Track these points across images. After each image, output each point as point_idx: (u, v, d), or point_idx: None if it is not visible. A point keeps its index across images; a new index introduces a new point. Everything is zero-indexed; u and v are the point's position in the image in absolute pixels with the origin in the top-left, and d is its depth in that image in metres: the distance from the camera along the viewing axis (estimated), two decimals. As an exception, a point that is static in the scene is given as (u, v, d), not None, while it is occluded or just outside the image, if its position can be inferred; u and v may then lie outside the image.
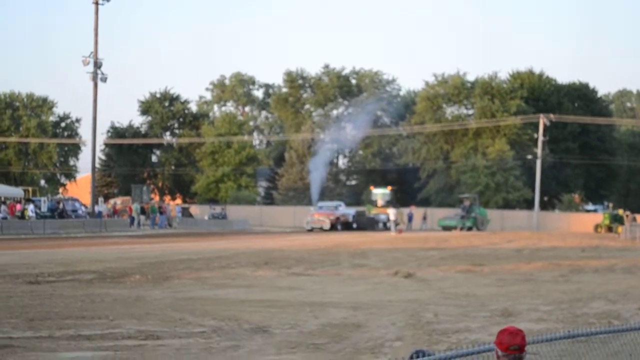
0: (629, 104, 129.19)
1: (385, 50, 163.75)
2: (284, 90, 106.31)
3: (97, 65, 63.83)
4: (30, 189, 72.68)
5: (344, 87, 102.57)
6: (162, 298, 19.66)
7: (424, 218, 78.16)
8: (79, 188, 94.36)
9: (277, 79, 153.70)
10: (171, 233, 60.94)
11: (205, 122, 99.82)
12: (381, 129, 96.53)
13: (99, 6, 63.78)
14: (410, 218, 74.49)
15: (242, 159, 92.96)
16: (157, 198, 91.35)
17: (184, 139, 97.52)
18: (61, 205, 64.70)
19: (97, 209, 67.46)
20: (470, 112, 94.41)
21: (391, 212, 66.73)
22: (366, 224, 71.42)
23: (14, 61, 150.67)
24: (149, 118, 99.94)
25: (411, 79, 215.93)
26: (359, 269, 29.27)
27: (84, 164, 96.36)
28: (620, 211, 73.44)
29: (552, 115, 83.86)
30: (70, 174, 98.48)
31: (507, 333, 5.82)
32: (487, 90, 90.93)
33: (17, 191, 67.75)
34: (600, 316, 17.60)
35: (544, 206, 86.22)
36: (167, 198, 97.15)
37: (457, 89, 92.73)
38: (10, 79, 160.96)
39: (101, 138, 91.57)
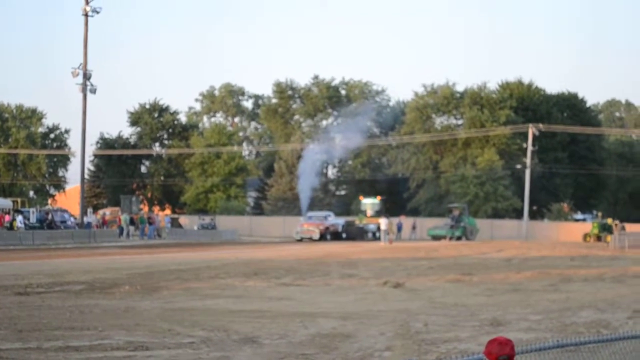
0: (617, 114, 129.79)
1: (375, 61, 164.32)
2: (274, 101, 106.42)
3: (87, 76, 63.82)
4: (19, 200, 72.53)
5: (334, 98, 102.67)
6: (152, 309, 19.60)
7: (414, 228, 78.24)
8: (68, 199, 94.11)
9: (266, 89, 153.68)
10: (160, 243, 60.78)
11: (194, 133, 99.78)
12: (371, 139, 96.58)
13: (89, 18, 63.84)
14: (399, 228, 74.46)
15: (231, 170, 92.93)
16: (146, 209, 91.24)
17: (174, 150, 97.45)
18: (50, 216, 64.55)
19: (86, 219, 67.35)
20: (460, 122, 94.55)
21: (382, 222, 66.45)
22: (355, 234, 71.45)
23: (3, 72, 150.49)
24: (139, 129, 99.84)
25: (400, 89, 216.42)
26: (349, 279, 29.22)
27: (73, 175, 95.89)
28: (609, 220, 73.55)
29: (541, 125, 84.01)
30: (60, 185, 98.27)
31: (496, 343, 5.83)
32: (476, 101, 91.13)
33: (6, 202, 67.51)
34: (590, 325, 17.60)
35: (533, 215, 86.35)
36: (157, 209, 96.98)
37: (446, 99, 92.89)
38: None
39: (90, 149, 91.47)
